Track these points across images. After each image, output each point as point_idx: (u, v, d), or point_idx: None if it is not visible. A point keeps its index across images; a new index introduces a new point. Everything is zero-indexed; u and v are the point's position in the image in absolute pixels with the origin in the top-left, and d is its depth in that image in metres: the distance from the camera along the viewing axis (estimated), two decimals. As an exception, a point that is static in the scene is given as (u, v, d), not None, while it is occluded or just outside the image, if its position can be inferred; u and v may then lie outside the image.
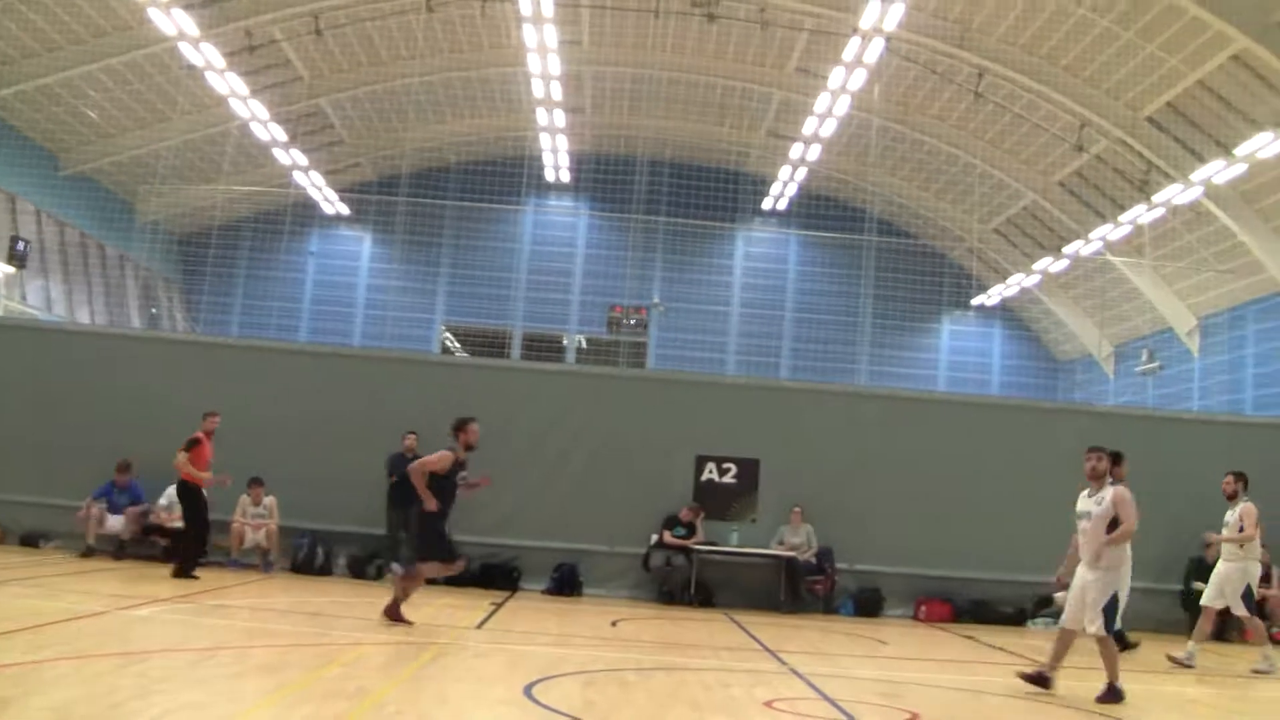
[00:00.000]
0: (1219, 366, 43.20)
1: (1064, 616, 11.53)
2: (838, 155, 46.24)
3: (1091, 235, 43.46)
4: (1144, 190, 39.44)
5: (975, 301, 53.98)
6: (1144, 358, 48.38)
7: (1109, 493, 11.30)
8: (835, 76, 35.74)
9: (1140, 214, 40.29)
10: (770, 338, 52.37)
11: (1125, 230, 42.09)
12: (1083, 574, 11.36)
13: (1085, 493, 11.57)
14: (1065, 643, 11.39)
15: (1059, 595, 12.00)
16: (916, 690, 11.48)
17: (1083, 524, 11.44)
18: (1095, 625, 11.08)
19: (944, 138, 46.03)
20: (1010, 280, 51.31)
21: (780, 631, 16.51)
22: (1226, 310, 42.91)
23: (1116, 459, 11.66)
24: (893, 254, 51.06)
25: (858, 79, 35.47)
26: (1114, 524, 11.20)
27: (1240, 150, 34.30)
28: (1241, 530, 15.30)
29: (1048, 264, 47.57)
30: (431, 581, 15.02)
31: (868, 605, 20.19)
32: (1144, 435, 20.87)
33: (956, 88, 40.64)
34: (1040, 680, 11.26)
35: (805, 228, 51.21)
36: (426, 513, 13.72)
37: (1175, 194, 38.14)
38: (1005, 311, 55.22)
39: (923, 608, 20.23)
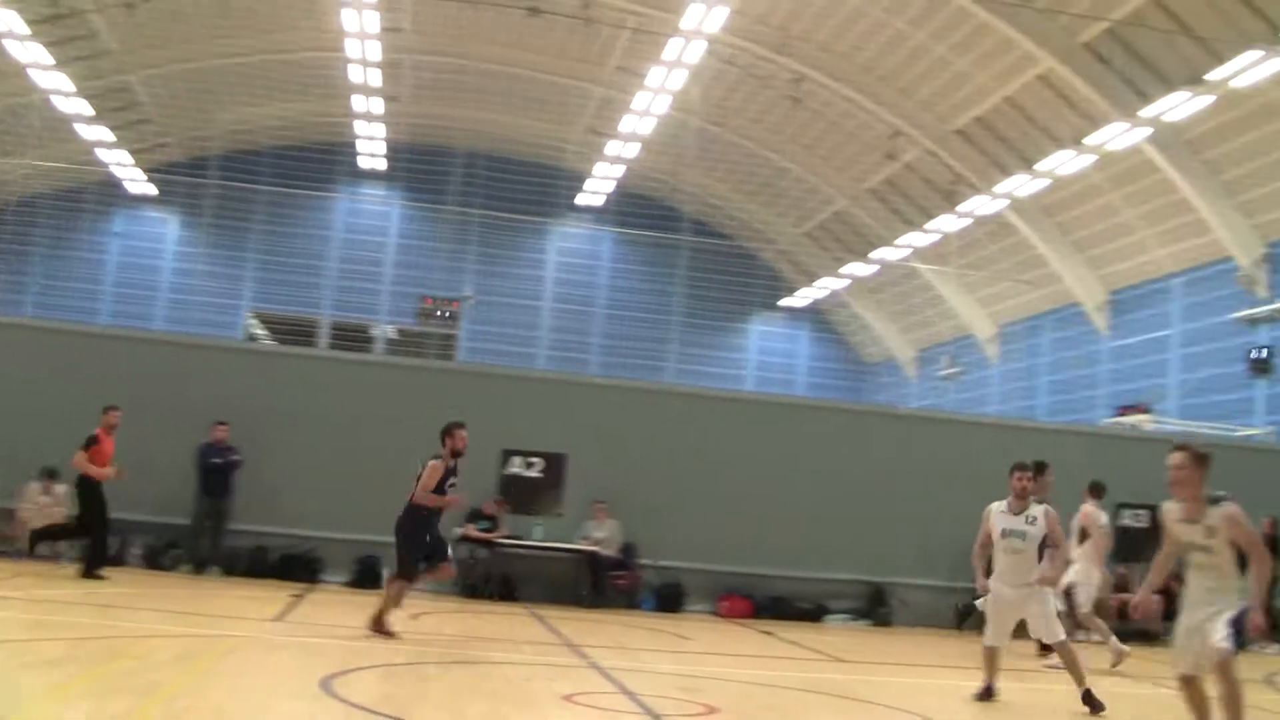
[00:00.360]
0: (1016, 373, 44.69)
1: (990, 634, 11.45)
2: (655, 154, 46.42)
3: (899, 242, 44.43)
4: (951, 200, 40.54)
5: (784, 303, 54.85)
6: (945, 363, 49.82)
7: (1039, 511, 11.23)
8: (655, 76, 35.77)
9: (946, 223, 41.40)
10: (581, 333, 52.39)
11: (932, 238, 43.17)
12: (1007, 594, 11.28)
13: (1003, 508, 11.44)
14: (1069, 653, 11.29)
15: (979, 602, 11.80)
16: (716, 685, 11.57)
17: (1013, 542, 11.24)
18: (1055, 633, 11.30)
19: (760, 141, 46.65)
20: (819, 283, 52.17)
21: (582, 626, 16.45)
22: (1025, 319, 44.43)
23: (1040, 469, 11.59)
24: (705, 254, 51.61)
25: (677, 79, 35.58)
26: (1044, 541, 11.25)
27: (1042, 166, 35.51)
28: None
29: (856, 269, 48.51)
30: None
31: (669, 600, 20.30)
32: (943, 437, 21.55)
33: (774, 93, 41.19)
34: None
35: (620, 225, 51.36)
36: (411, 523, 13.51)
37: (980, 205, 39.27)
38: (813, 314, 56.18)
39: (723, 603, 20.41)
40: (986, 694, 11.19)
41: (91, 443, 17.18)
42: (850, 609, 20.75)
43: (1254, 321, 33.26)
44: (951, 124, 39.22)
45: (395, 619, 13.33)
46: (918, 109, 39.48)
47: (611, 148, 43.49)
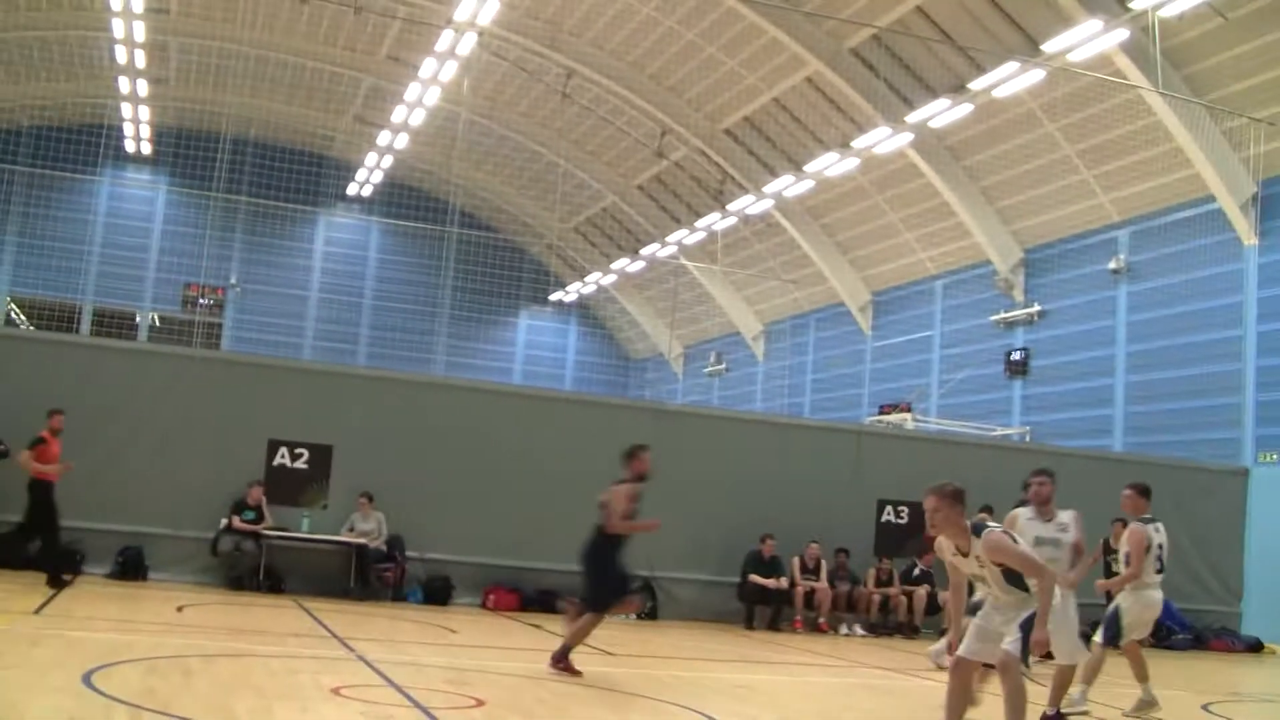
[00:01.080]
0: (781, 370, 45.06)
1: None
2: (425, 145, 45.35)
3: (668, 239, 44.27)
4: (719, 199, 40.59)
5: (553, 298, 54.35)
6: (712, 359, 50.01)
7: (1069, 516, 10.83)
8: (426, 67, 34.75)
9: (714, 221, 41.37)
10: (349, 324, 50.96)
11: (700, 236, 43.12)
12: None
13: (1029, 516, 10.87)
14: (1064, 677, 10.61)
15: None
16: (484, 677, 11.16)
17: (1045, 551, 10.39)
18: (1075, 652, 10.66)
19: (530, 135, 45.95)
20: (588, 278, 51.84)
21: (349, 619, 15.81)
22: (790, 318, 44.82)
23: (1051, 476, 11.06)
24: (474, 247, 50.58)
25: (448, 70, 34.62)
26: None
27: (809, 167, 35.71)
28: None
29: (625, 264, 48.24)
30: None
31: (436, 593, 19.67)
32: (709, 434, 21.36)
33: (545, 87, 40.52)
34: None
35: (388, 216, 49.99)
36: (603, 553, 12.21)
37: (748, 204, 39.31)
38: (582, 309, 55.86)
39: (491, 596, 19.87)
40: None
41: (37, 443, 16.19)
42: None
43: (1011, 324, 34.08)
44: (720, 123, 39.21)
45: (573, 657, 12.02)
46: (687, 108, 39.34)
47: (381, 138, 42.18)
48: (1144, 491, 11.63)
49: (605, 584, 12.11)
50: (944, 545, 8.19)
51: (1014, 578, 7.86)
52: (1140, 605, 11.48)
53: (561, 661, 11.59)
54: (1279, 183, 26.77)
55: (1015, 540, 8.07)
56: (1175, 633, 21.99)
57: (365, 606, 18.16)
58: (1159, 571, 11.46)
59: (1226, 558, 23.86)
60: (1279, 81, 25.68)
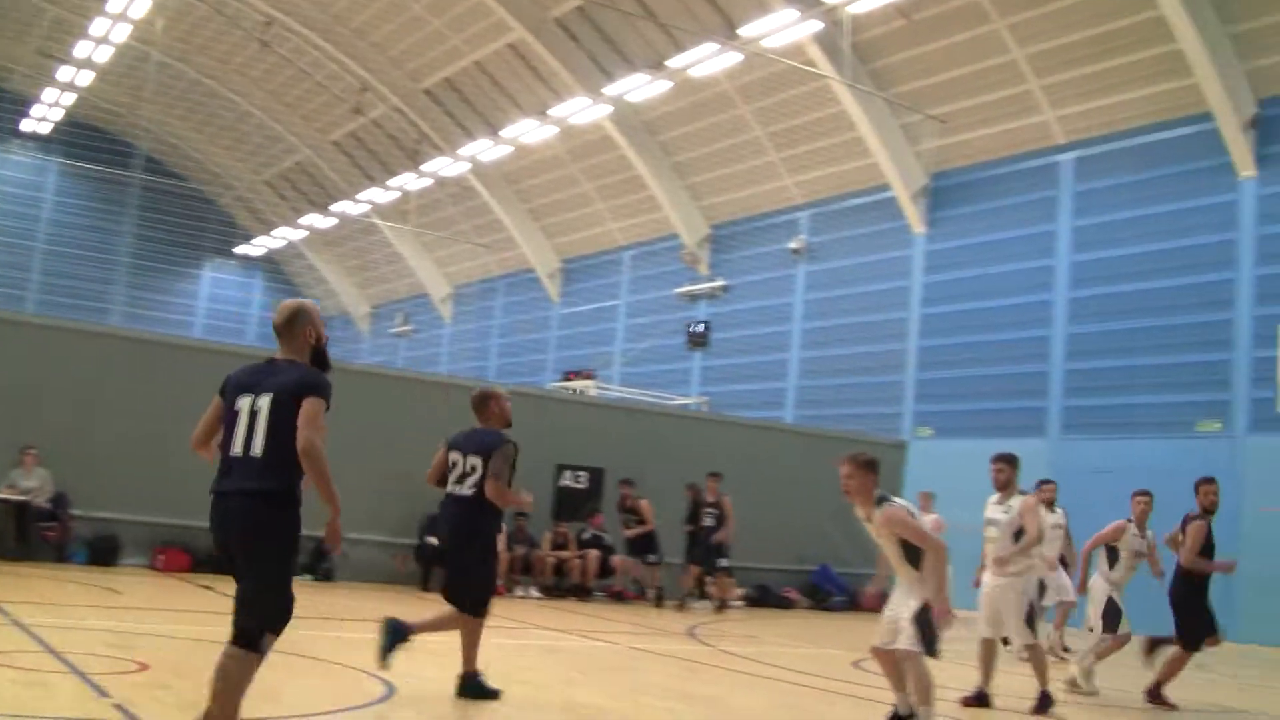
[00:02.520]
0: (468, 334, 44.61)
1: (980, 626, 10.45)
2: (111, 85, 42.68)
3: (360, 197, 43.07)
4: (414, 159, 39.69)
5: (239, 251, 52.31)
6: (399, 320, 49.10)
7: (1017, 502, 10.40)
8: (115, 1, 32.54)
9: (409, 181, 40.56)
10: (19, 269, 47.63)
11: (394, 195, 42.16)
12: (990, 580, 10.42)
13: (994, 500, 10.58)
14: (990, 653, 10.30)
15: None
16: (150, 641, 10.37)
17: (990, 531, 10.45)
18: (1022, 637, 10.29)
19: (225, 82, 43.91)
20: (276, 233, 49.97)
21: (6, 581, 14.44)
22: (479, 281, 44.37)
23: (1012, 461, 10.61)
24: (159, 194, 48.35)
25: (140, 7, 32.44)
26: (1021, 532, 10.35)
27: (507, 133, 35.30)
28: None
29: (315, 220, 46.57)
30: None
31: (103, 554, 18.24)
32: (391, 395, 20.63)
33: (243, 33, 38.71)
34: (982, 700, 10.12)
35: (68, 156, 47.02)
36: (1189, 591, 11.04)
37: (443, 166, 38.64)
38: (269, 264, 53.96)
39: (161, 557, 18.68)
40: (979, 700, 10.19)
41: None
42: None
43: (694, 297, 34.61)
44: (421, 83, 38.34)
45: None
46: (388, 65, 38.31)
47: (64, 73, 39.30)
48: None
49: (1197, 621, 11.09)
50: (859, 513, 8.22)
51: (911, 553, 7.92)
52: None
53: (1157, 696, 11.04)
54: (948, 176, 28.01)
55: (913, 515, 8.10)
56: (833, 595, 22.56)
57: (25, 567, 16.71)
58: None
59: (885, 523, 24.63)
60: (954, 82, 26.75)
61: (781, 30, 25.80)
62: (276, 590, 5.70)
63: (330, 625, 13.23)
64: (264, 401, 5.70)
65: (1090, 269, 24.95)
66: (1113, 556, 11.93)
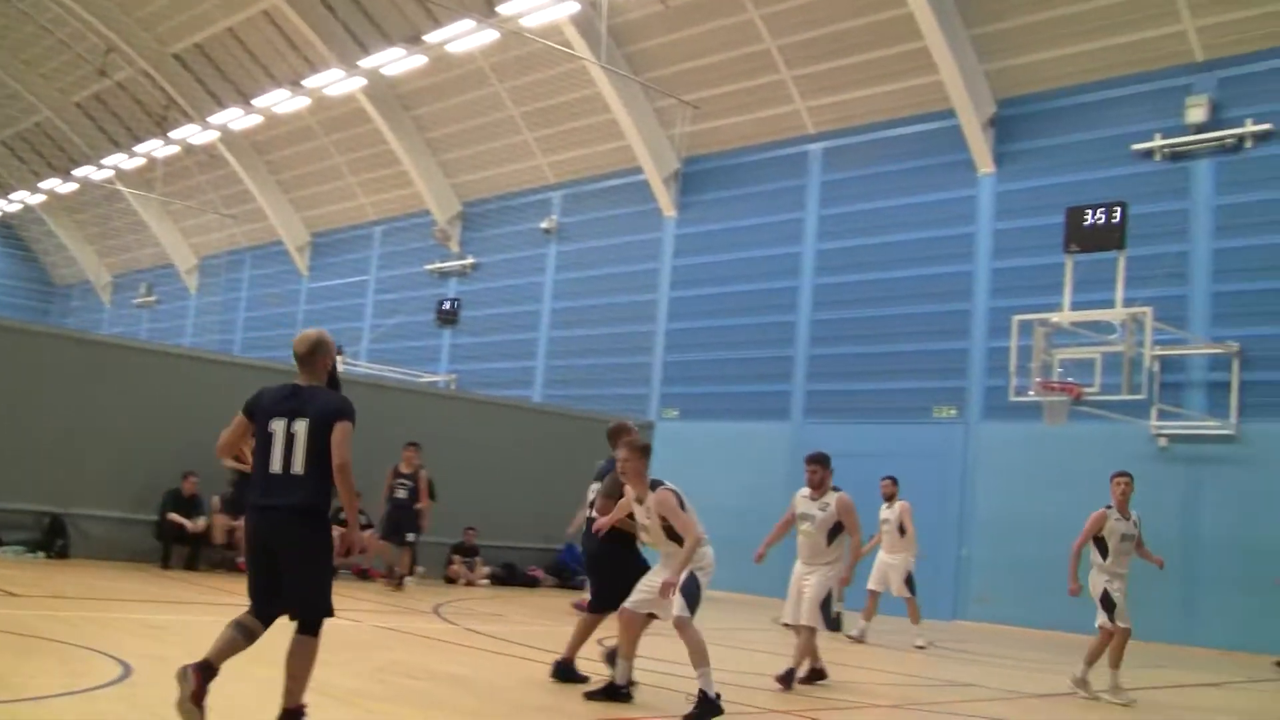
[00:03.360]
0: (214, 306, 41.70)
1: (786, 611, 10.35)
2: None
3: (104, 162, 39.57)
4: (162, 125, 36.60)
5: (-25, 214, 48.07)
6: (142, 290, 45.71)
7: (833, 499, 10.20)
8: None
9: (156, 148, 37.34)
10: None
11: (139, 162, 38.83)
12: (801, 571, 10.29)
13: (804, 495, 10.36)
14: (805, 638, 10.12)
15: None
16: None
17: (804, 525, 10.24)
18: (809, 618, 10.03)
19: (-43, 34, 40.02)
20: (13, 196, 45.91)
21: None
22: (227, 253, 41.39)
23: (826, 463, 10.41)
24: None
25: None
26: (838, 527, 10.18)
27: (258, 102, 32.75)
28: (903, 529, 15.19)
29: (55, 185, 42.59)
30: None
31: None
32: (132, 367, 18.45)
33: (-24, -16, 35.21)
34: (788, 679, 9.79)
35: None
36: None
37: (192, 134, 35.72)
38: (4, 228, 49.67)
39: None
40: (787, 679, 9.87)
41: None
42: (24, 540, 17.20)
43: (445, 274, 32.86)
44: (170, 47, 35.36)
45: None
46: (136, 27, 35.17)
47: None
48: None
49: None
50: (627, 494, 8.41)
51: (673, 534, 8.03)
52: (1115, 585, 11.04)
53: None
54: (700, 161, 27.02)
55: (682, 501, 8.10)
56: (578, 573, 21.42)
57: None
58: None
59: (630, 503, 23.59)
60: (708, 69, 25.77)
61: (539, 10, 24.18)
62: (326, 587, 6.16)
63: (64, 604, 11.66)
64: (301, 426, 6.06)
65: (835, 257, 24.29)
66: (1101, 547, 10.99)
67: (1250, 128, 19.34)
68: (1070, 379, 17.75)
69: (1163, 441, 19.44)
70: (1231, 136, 19.51)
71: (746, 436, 24.21)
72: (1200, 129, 19.81)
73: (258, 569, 6.12)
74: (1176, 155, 20.11)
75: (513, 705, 7.71)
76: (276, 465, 6.05)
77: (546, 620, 14.73)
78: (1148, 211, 19.12)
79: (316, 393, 6.19)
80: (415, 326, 32.75)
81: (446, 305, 31.66)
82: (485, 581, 19.79)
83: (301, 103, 31.87)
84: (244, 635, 6.06)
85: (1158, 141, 20.20)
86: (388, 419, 20.48)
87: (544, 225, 29.91)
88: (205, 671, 5.83)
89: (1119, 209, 17.22)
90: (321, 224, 37.40)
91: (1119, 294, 17.00)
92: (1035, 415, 18.30)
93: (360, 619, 12.71)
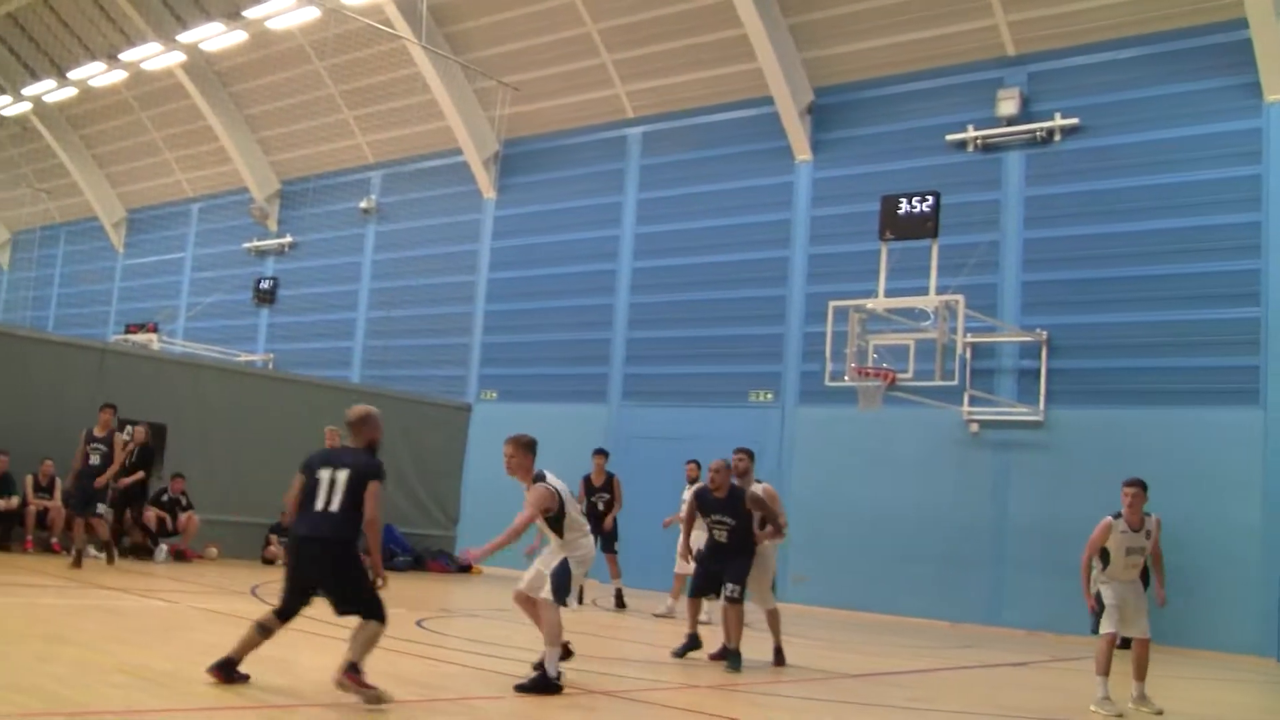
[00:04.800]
0: (27, 282, 37.83)
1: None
2: None
3: (-90, 133, 35.58)
4: (-28, 96, 32.98)
5: None
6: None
7: (759, 489, 10.18)
8: None
9: (-35, 120, 33.64)
10: None
11: (-54, 133, 35.01)
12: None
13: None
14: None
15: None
16: None
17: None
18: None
19: None
20: None
21: None
22: (40, 228, 37.45)
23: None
24: None
25: None
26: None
27: (73, 74, 29.26)
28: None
29: None
30: None
31: None
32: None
33: None
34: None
35: None
36: None
37: (4, 105, 32.01)
38: None
39: None
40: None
41: None
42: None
43: (263, 253, 30.01)
44: (-20, 16, 31.80)
45: None
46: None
47: None
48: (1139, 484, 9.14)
49: None
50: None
51: (553, 523, 7.89)
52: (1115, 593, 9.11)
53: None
54: (520, 143, 24.85)
55: (556, 491, 7.89)
56: (397, 555, 19.61)
57: None
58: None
59: (447, 486, 21.61)
60: (528, 51, 23.60)
61: (361, -14, 21.93)
62: (370, 593, 6.75)
63: None
64: (342, 475, 6.77)
65: (654, 241, 22.46)
66: (1104, 557, 9.05)
67: (1059, 121, 18.16)
68: (884, 365, 16.31)
69: (974, 427, 18.18)
70: (1041, 130, 18.29)
71: (564, 419, 22.29)
72: (1011, 122, 18.55)
73: (297, 581, 6.76)
74: (989, 147, 18.83)
75: (328, 686, 6.68)
76: (319, 504, 6.75)
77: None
78: (961, 201, 17.79)
79: (359, 453, 6.96)
80: (232, 305, 29.81)
81: (264, 284, 28.89)
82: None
83: (118, 76, 28.42)
84: (264, 634, 6.63)
85: (971, 133, 18.89)
86: (206, 399, 18.09)
87: (363, 205, 27.36)
88: (226, 668, 6.45)
89: (932, 198, 15.80)
90: (138, 200, 34.00)
91: (932, 281, 15.56)
92: (850, 400, 16.79)
93: (177, 600, 11.55)
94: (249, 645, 6.55)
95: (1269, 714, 11.08)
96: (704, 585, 10.06)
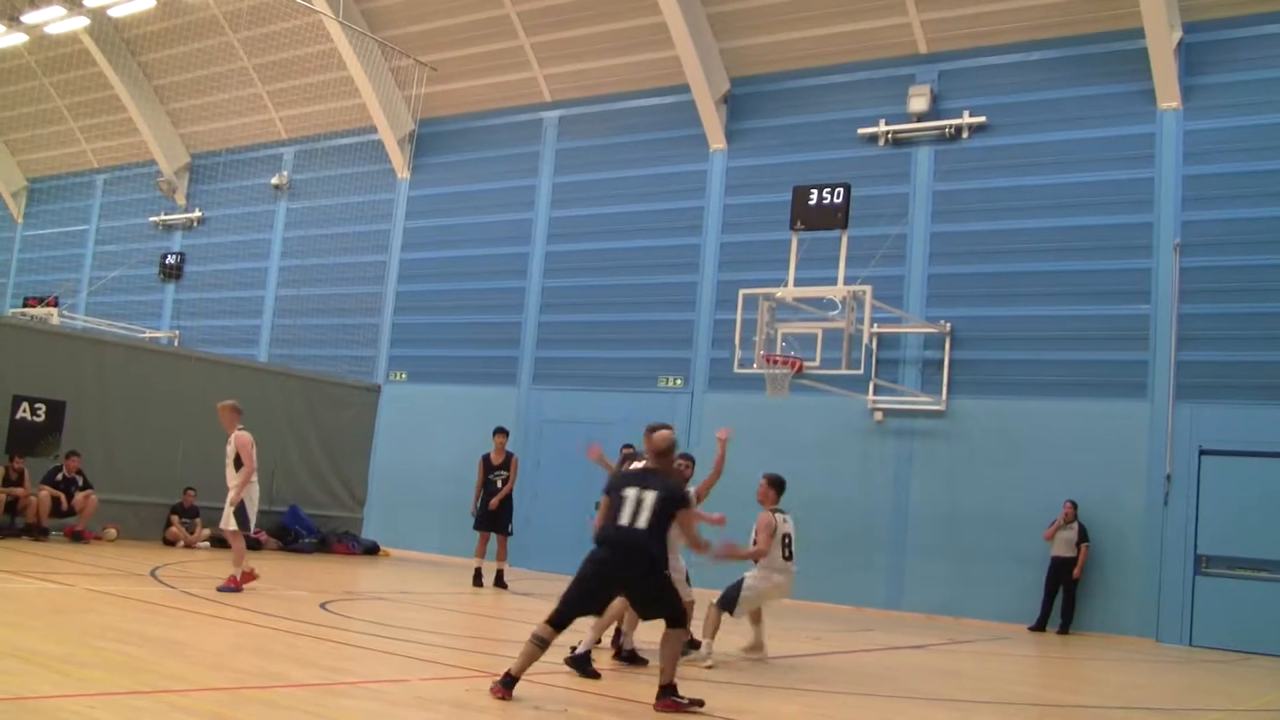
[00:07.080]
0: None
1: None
2: None
3: None
4: None
5: None
6: None
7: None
8: None
9: None
10: None
11: None
12: None
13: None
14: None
15: None
16: None
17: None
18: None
19: None
20: None
21: None
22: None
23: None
24: None
25: None
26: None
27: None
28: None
29: None
30: None
31: None
32: None
33: None
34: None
35: None
36: None
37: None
38: None
39: None
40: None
41: None
42: None
43: (170, 227, 29.62)
44: None
45: None
46: None
47: None
48: (775, 483, 10.32)
49: None
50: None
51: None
52: (764, 585, 10.02)
53: None
54: (436, 123, 24.78)
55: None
56: (302, 536, 19.69)
57: None
58: (788, 559, 10.08)
59: (354, 467, 21.60)
60: (446, 30, 23.54)
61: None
62: (672, 594, 7.28)
63: None
64: (649, 496, 7.21)
65: (567, 225, 22.60)
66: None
67: (967, 119, 18.67)
68: (792, 353, 16.63)
69: (878, 415, 18.66)
70: (950, 127, 18.80)
71: (474, 401, 22.41)
72: (921, 118, 19.02)
73: (587, 593, 7.11)
74: (899, 141, 19.29)
75: (226, 669, 6.78)
76: (625, 519, 7.14)
77: (269, 583, 12.63)
78: (870, 194, 18.19)
79: (664, 478, 7.37)
80: (137, 280, 29.33)
81: (170, 259, 28.56)
82: (205, 544, 17.78)
83: (18, 39, 27.83)
84: (542, 646, 6.86)
85: (882, 127, 19.34)
86: (108, 376, 17.92)
87: (274, 181, 27.10)
88: (509, 684, 6.68)
89: (843, 190, 16.17)
90: (39, 169, 33.28)
91: (841, 272, 15.88)
92: (758, 387, 17.13)
93: (72, 582, 11.23)
94: (528, 660, 6.78)
95: (1189, 692, 11.47)
96: None
